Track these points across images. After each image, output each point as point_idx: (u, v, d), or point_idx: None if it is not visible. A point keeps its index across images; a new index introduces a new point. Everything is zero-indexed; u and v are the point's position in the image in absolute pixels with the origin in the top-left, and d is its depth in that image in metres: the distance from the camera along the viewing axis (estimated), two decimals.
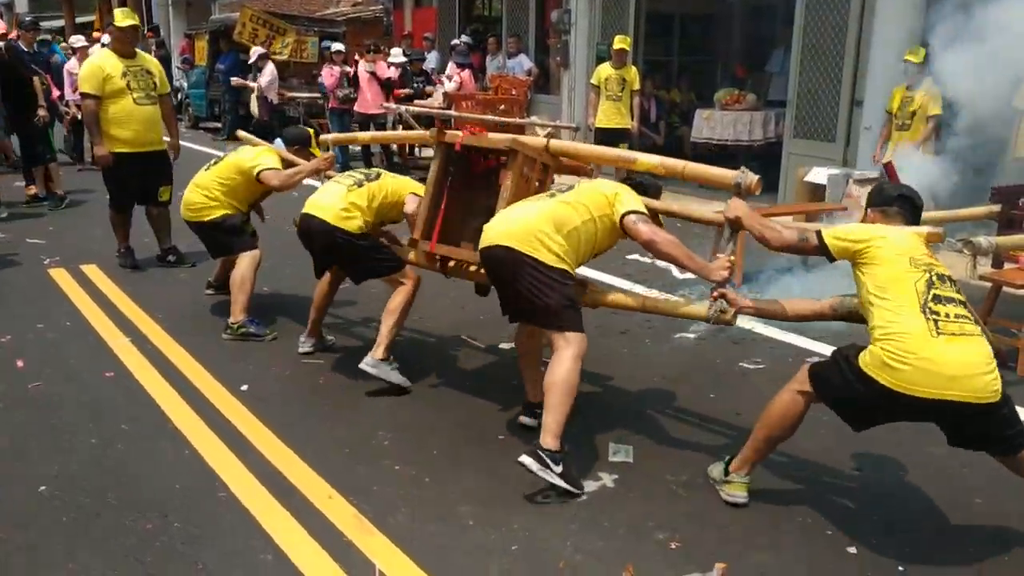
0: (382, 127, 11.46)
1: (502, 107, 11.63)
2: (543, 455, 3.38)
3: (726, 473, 3.43)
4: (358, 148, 12.06)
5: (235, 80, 14.16)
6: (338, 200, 4.48)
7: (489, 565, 2.99)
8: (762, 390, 4.58)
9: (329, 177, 5.22)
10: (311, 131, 5.87)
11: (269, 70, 12.81)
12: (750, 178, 3.54)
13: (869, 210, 3.42)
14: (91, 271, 6.69)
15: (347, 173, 4.83)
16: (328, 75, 12.00)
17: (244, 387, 4.50)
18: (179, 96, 17.27)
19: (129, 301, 5.93)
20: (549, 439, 3.41)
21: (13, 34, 8.61)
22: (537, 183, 4.16)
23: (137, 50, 6.69)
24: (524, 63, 12.90)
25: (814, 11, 9.24)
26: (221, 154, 5.74)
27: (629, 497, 3.46)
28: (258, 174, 5.27)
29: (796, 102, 9.56)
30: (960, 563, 3.08)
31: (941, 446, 3.92)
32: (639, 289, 6.40)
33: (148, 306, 5.80)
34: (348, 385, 4.58)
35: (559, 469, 3.39)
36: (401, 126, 11.59)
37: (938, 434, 4.04)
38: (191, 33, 18.92)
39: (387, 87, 11.51)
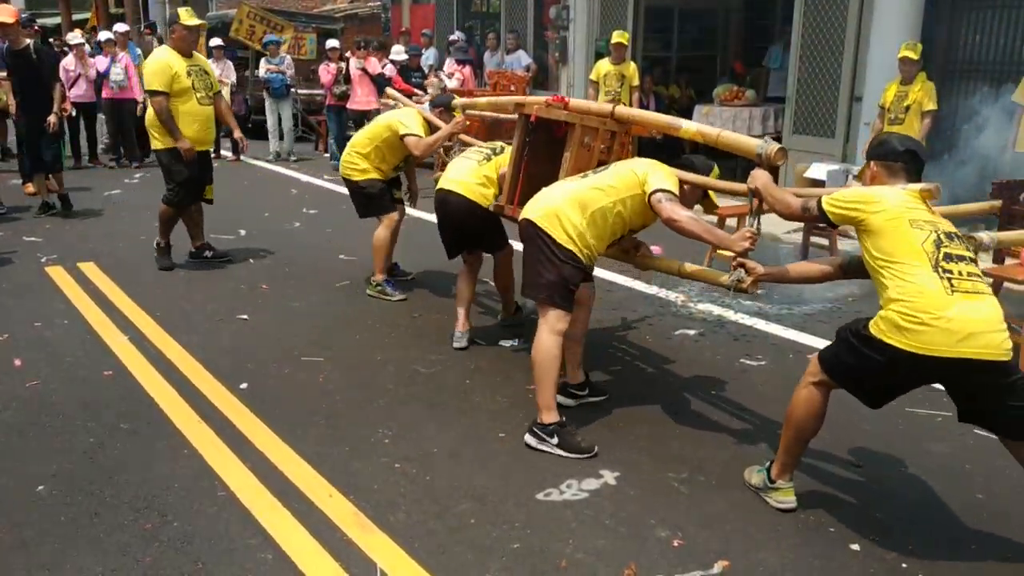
0: None
1: None
2: (537, 431, 3.79)
3: (771, 481, 3.37)
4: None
5: None
6: (472, 175, 4.87)
7: (490, 563, 2.98)
8: (763, 387, 4.58)
9: (462, 142, 5.85)
10: (455, 96, 6.26)
11: (224, 65, 12.55)
12: (770, 147, 3.52)
13: (872, 162, 3.30)
14: (89, 269, 6.67)
15: (474, 148, 5.23)
16: (324, 72, 11.96)
17: (243, 385, 4.48)
18: None
19: (127, 299, 5.90)
20: (542, 415, 3.80)
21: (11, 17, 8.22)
22: (604, 149, 4.31)
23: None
24: (523, 59, 12.87)
25: (813, 7, 9.22)
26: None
27: (631, 495, 3.45)
28: (403, 136, 5.63)
29: (795, 98, 9.55)
30: (961, 559, 3.07)
31: (941, 442, 3.94)
32: (639, 284, 6.40)
33: (146, 304, 5.78)
34: (348, 383, 4.56)
35: (555, 440, 3.75)
36: None
37: (938, 430, 4.05)
38: None
39: (379, 84, 11.44)
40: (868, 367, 2.99)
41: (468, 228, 4.98)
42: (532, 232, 3.81)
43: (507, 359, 4.91)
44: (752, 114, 10.69)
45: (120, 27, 12.42)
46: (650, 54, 12.46)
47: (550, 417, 3.78)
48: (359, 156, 5.90)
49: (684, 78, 13.18)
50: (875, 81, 8.33)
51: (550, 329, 3.76)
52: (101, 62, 11.61)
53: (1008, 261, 5.19)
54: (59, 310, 5.68)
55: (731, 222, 7.11)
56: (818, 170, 8.04)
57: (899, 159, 3.21)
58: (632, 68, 9.72)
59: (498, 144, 5.13)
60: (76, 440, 3.87)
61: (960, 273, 2.86)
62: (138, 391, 4.42)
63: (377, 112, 11.17)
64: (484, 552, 3.05)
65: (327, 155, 12.70)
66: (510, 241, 5.09)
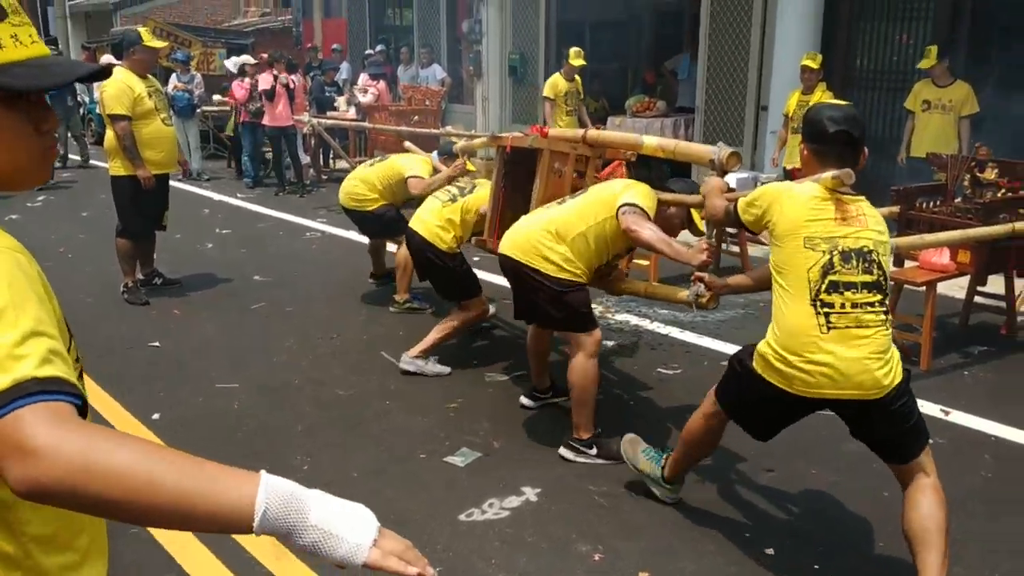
0: (292, 139, 11.24)
1: (416, 118, 11.59)
2: (576, 445, 3.89)
3: (663, 478, 3.45)
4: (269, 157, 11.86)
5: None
6: (434, 216, 4.90)
7: None
8: (680, 396, 4.66)
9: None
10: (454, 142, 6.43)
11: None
12: (723, 152, 3.56)
13: (803, 143, 3.00)
14: None
15: (445, 188, 5.22)
16: (238, 87, 11.66)
17: (155, 416, 4.36)
18: (81, 111, 16.70)
19: None
20: (580, 432, 3.88)
21: None
22: (576, 174, 4.27)
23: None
24: (437, 73, 12.89)
25: (718, 19, 9.47)
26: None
27: (552, 510, 3.47)
28: (407, 179, 5.87)
29: (704, 108, 9.78)
30: (871, 557, 3.17)
31: (854, 442, 4.05)
32: None
33: None
34: (265, 409, 4.47)
35: (594, 452, 3.87)
36: (313, 139, 11.42)
37: (844, 429, 4.17)
38: (91, 46, 18.30)
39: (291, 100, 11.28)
40: (751, 401, 2.94)
41: (425, 269, 4.99)
42: (519, 270, 3.80)
43: (427, 380, 4.88)
44: (664, 124, 10.87)
45: None
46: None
47: (587, 433, 3.88)
48: (369, 189, 6.10)
49: (597, 89, 13.34)
50: (780, 90, 8.59)
51: (586, 354, 3.79)
52: None
53: (907, 264, 5.40)
54: None
55: None
56: (728, 178, 8.22)
57: (829, 141, 2.85)
58: (579, 82, 9.73)
59: (471, 183, 5.16)
60: None
61: (843, 305, 2.68)
62: None
63: (294, 129, 11.02)
64: None
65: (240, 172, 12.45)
66: (483, 298, 4.99)
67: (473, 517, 3.41)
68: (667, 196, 3.94)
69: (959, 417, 4.36)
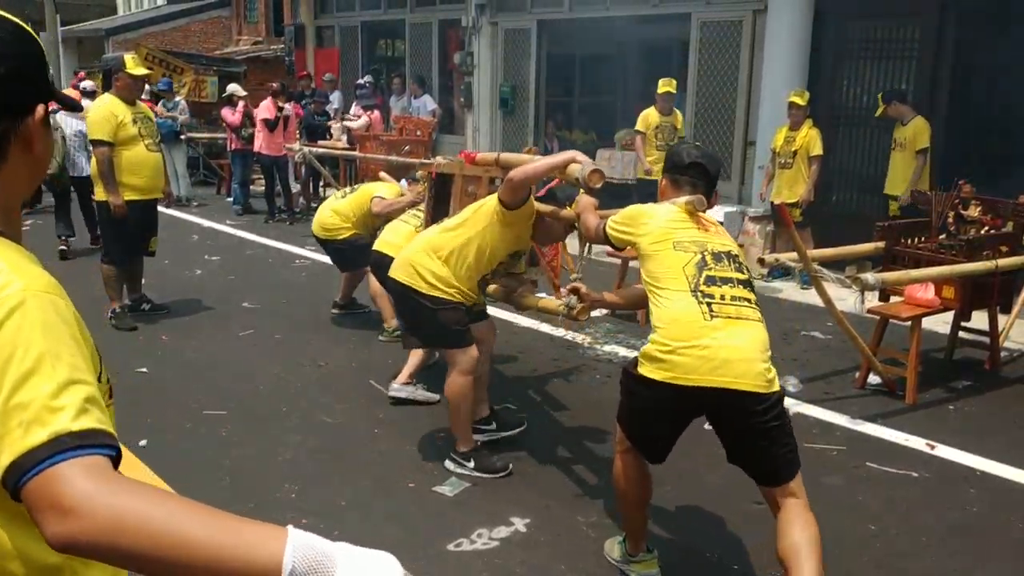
0: (284, 168, 11.27)
1: (407, 148, 11.65)
2: (455, 457, 4.04)
3: (631, 555, 3.19)
4: (260, 188, 11.89)
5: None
6: (405, 241, 4.85)
7: None
8: None
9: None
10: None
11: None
12: (587, 170, 3.43)
13: (664, 175, 3.22)
14: None
15: (412, 212, 5.37)
16: (229, 113, 11.66)
17: (143, 443, 4.33)
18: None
19: None
20: (458, 444, 4.04)
21: None
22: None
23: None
24: (428, 104, 12.98)
25: (707, 56, 9.61)
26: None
27: (541, 541, 3.46)
28: (372, 199, 6.01)
29: (693, 142, 9.87)
30: None
31: (836, 475, 4.09)
32: (544, 327, 6.46)
33: None
34: (252, 436, 4.46)
35: (472, 464, 4.00)
36: (303, 167, 11.45)
37: (833, 463, 4.21)
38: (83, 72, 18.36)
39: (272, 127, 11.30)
40: (637, 406, 2.90)
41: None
42: (398, 288, 3.98)
43: (415, 408, 4.88)
44: None
45: None
46: (552, 99, 12.73)
47: (466, 446, 4.04)
48: (341, 219, 6.16)
49: (585, 122, 13.48)
50: (767, 126, 8.69)
51: (459, 370, 3.93)
52: None
53: (893, 299, 5.45)
54: None
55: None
56: (715, 213, 8.31)
57: (684, 172, 3.09)
58: (680, 117, 9.03)
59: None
60: None
61: (723, 297, 2.76)
62: None
63: (286, 157, 11.04)
64: None
65: (230, 199, 12.46)
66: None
67: (461, 547, 3.40)
68: (544, 208, 3.96)
69: (944, 451, 4.39)
